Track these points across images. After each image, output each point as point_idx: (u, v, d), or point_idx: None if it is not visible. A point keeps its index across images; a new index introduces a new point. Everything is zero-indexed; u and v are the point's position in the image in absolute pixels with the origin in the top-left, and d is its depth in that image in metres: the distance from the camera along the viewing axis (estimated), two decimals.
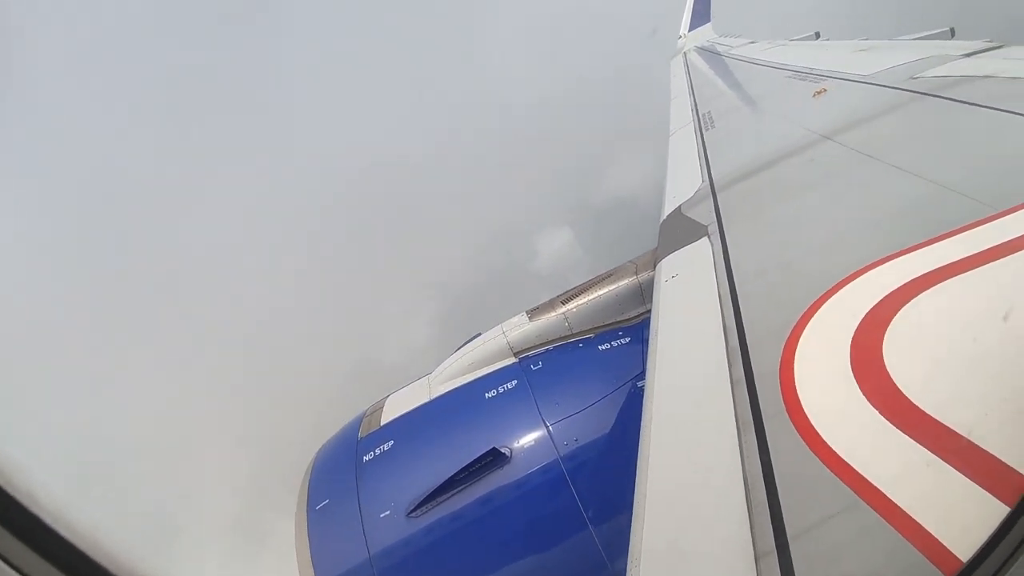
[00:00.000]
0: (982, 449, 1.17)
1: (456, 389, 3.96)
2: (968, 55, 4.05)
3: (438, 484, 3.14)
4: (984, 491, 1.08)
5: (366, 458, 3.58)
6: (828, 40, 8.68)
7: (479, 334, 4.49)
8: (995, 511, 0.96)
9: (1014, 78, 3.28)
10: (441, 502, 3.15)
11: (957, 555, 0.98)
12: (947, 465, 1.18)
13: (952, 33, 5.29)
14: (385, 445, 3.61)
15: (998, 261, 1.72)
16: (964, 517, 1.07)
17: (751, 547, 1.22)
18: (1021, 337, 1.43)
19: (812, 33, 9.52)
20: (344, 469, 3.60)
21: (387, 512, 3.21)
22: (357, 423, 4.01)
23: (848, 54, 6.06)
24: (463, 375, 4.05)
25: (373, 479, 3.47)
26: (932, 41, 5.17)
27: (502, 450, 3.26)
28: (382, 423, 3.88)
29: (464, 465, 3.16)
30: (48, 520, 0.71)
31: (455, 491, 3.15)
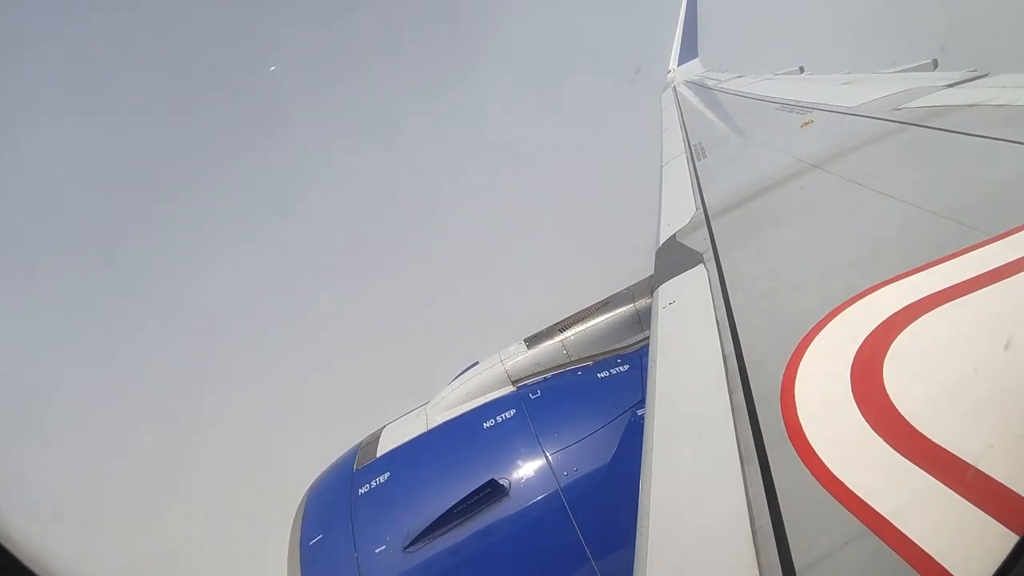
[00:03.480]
0: (988, 476, 1.16)
1: (454, 419, 3.90)
2: (951, 85, 4.19)
3: (435, 517, 3.05)
4: (992, 519, 1.06)
5: (361, 491, 3.50)
6: (812, 74, 8.98)
7: (476, 363, 4.46)
8: (1004, 539, 0.94)
9: (999, 105, 3.38)
10: (439, 536, 3.06)
11: None
12: (953, 493, 1.16)
13: (935, 65, 5.49)
14: (381, 477, 3.53)
15: (994, 285, 1.73)
16: (972, 546, 1.05)
17: None
18: (1008, 360, 1.43)
19: (797, 68, 9.86)
20: (338, 503, 3.50)
21: (383, 547, 3.11)
22: (352, 455, 3.93)
23: (832, 87, 6.26)
24: (461, 404, 4.00)
25: (368, 513, 3.38)
26: (915, 73, 5.36)
27: (501, 481, 3.19)
28: (378, 454, 3.80)
29: (462, 497, 3.08)
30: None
31: (453, 524, 3.06)
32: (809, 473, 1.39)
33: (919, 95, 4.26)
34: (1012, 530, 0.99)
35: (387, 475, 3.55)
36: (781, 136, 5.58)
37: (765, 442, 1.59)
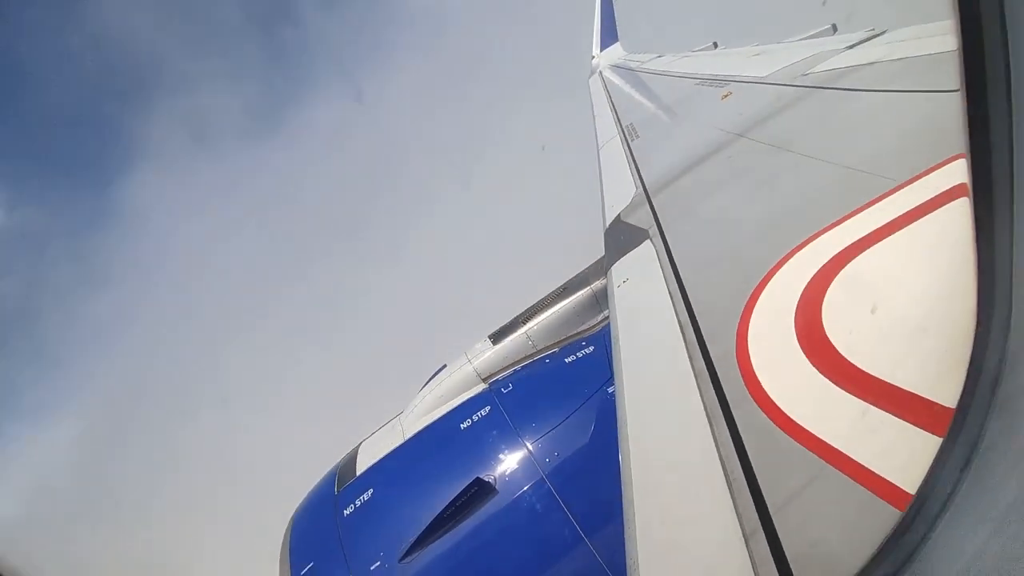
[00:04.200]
0: (909, 391, 1.31)
1: (430, 425, 3.89)
2: (851, 46, 4.52)
3: (427, 524, 3.05)
4: (919, 429, 1.21)
5: (346, 512, 3.44)
6: (725, 48, 9.44)
7: (444, 366, 4.46)
8: (932, 444, 1.07)
9: (896, 59, 3.69)
10: (433, 541, 3.06)
11: (907, 490, 1.09)
12: (885, 412, 1.31)
13: (834, 29, 5.90)
14: (365, 495, 3.48)
15: (908, 226, 1.92)
16: (907, 456, 1.18)
17: (739, 528, 1.28)
18: (928, 295, 1.60)
19: (711, 43, 10.31)
20: (325, 527, 3.43)
21: (378, 563, 3.08)
22: (332, 477, 3.85)
23: (744, 59, 6.62)
24: (435, 409, 4.00)
25: (357, 532, 3.33)
26: (817, 39, 5.75)
27: (486, 479, 3.22)
28: (358, 472, 3.74)
29: (450, 500, 3.10)
30: None
31: (446, 528, 3.07)
32: (771, 422, 1.51)
33: (822, 60, 4.58)
34: (936, 434, 1.13)
35: (370, 491, 3.51)
36: (705, 110, 5.86)
37: (728, 400, 1.70)
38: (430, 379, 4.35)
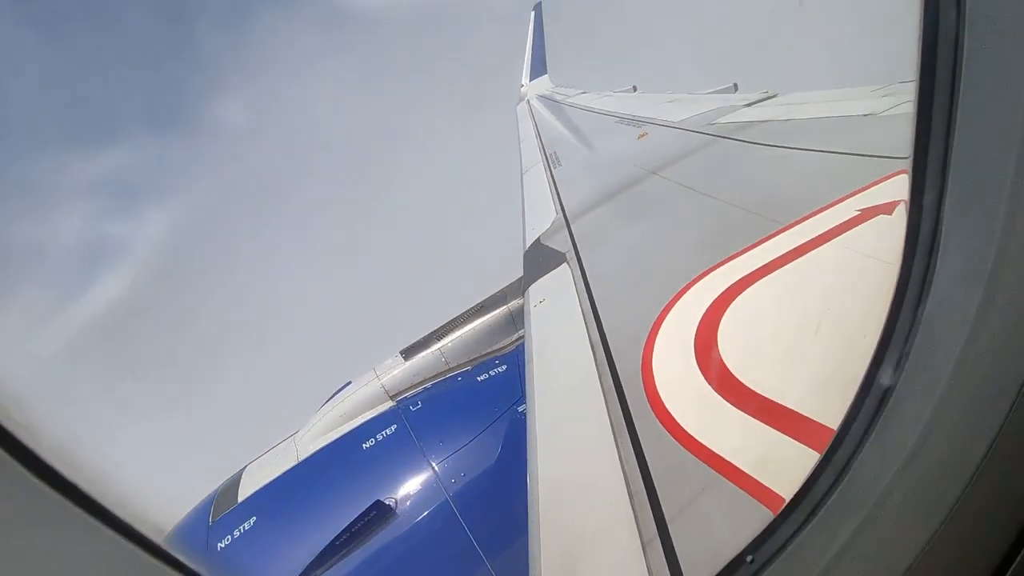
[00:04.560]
0: (793, 410, 1.44)
1: (328, 445, 3.62)
2: (750, 104, 5.07)
3: (318, 553, 2.80)
4: (799, 443, 1.33)
5: (221, 545, 3.06)
6: (644, 93, 10.21)
7: (349, 382, 4.21)
8: (810, 457, 1.17)
9: (785, 120, 4.18)
10: (327, 570, 2.81)
11: (782, 495, 1.19)
12: (771, 428, 1.43)
13: (736, 88, 6.61)
14: (245, 524, 3.13)
15: (791, 263, 2.14)
16: (787, 467, 1.29)
17: (638, 537, 1.31)
18: (809, 323, 1.78)
19: (631, 87, 11.11)
20: (190, 566, 3.02)
21: None
22: (207, 506, 3.43)
23: (661, 104, 7.18)
24: (336, 428, 3.74)
25: (232, 568, 2.97)
26: (722, 94, 6.39)
27: (387, 501, 3.04)
28: (240, 499, 3.37)
29: (346, 526, 2.87)
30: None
31: (338, 556, 2.83)
32: (670, 437, 1.57)
33: (726, 112, 5.08)
34: (815, 449, 1.24)
35: (252, 520, 3.16)
36: (623, 146, 6.23)
37: (632, 416, 1.75)
38: (332, 396, 4.07)
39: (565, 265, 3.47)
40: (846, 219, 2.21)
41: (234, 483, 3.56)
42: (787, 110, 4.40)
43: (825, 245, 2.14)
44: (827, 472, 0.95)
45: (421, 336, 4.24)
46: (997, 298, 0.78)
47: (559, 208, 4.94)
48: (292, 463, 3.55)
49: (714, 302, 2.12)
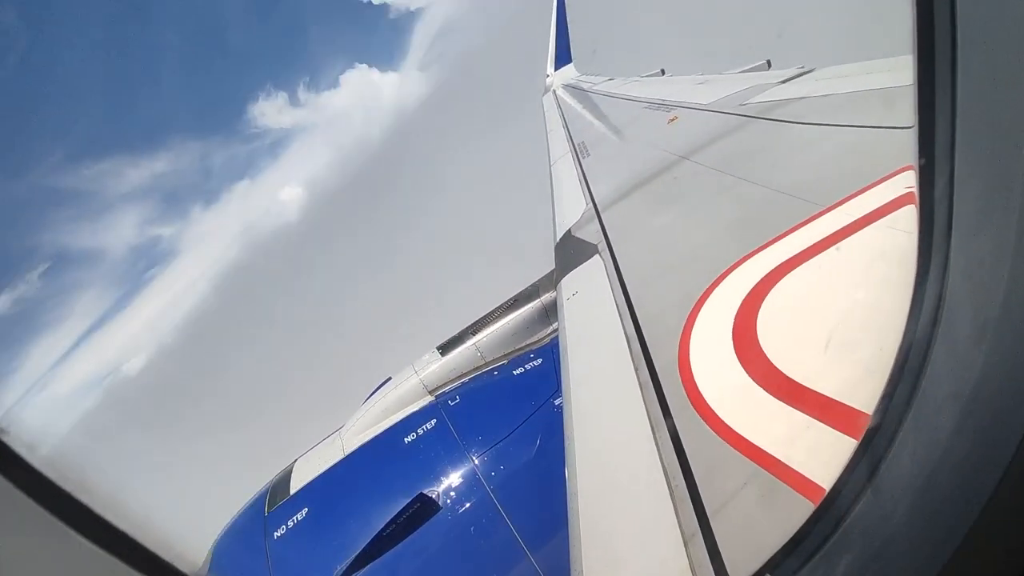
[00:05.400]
0: (830, 398, 1.40)
1: (371, 440, 3.75)
2: (784, 81, 4.87)
3: (366, 543, 2.92)
4: (838, 432, 1.30)
5: (277, 534, 3.23)
6: (672, 76, 9.93)
7: (389, 378, 4.33)
8: (847, 445, 1.15)
9: (824, 96, 4.00)
10: (373, 560, 2.92)
11: (821, 485, 1.17)
12: (812, 418, 1.40)
13: (769, 65, 6.34)
14: (298, 515, 3.29)
15: (832, 248, 2.07)
16: (825, 456, 1.27)
17: (679, 532, 1.31)
18: (853, 309, 1.72)
19: (659, 70, 10.83)
20: (252, 552, 3.20)
21: None
22: (263, 497, 3.61)
23: (690, 87, 6.98)
24: (378, 424, 3.86)
25: (289, 555, 3.13)
26: (753, 73, 6.16)
27: (429, 494, 3.13)
28: (291, 492, 3.54)
29: (391, 518, 2.98)
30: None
31: (386, 546, 2.94)
32: (710, 430, 1.55)
33: (759, 92, 4.91)
34: (852, 437, 1.22)
35: (305, 511, 3.32)
36: (652, 132, 6.11)
37: (671, 409, 1.74)
38: (374, 392, 4.20)
39: (597, 256, 3.45)
40: (895, 197, 2.11)
41: (286, 476, 3.74)
42: (825, 85, 4.21)
43: (871, 226, 2.05)
44: (864, 460, 0.94)
45: (456, 332, 4.32)
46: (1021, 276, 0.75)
47: (589, 198, 4.90)
48: (339, 456, 3.70)
49: (752, 290, 2.08)
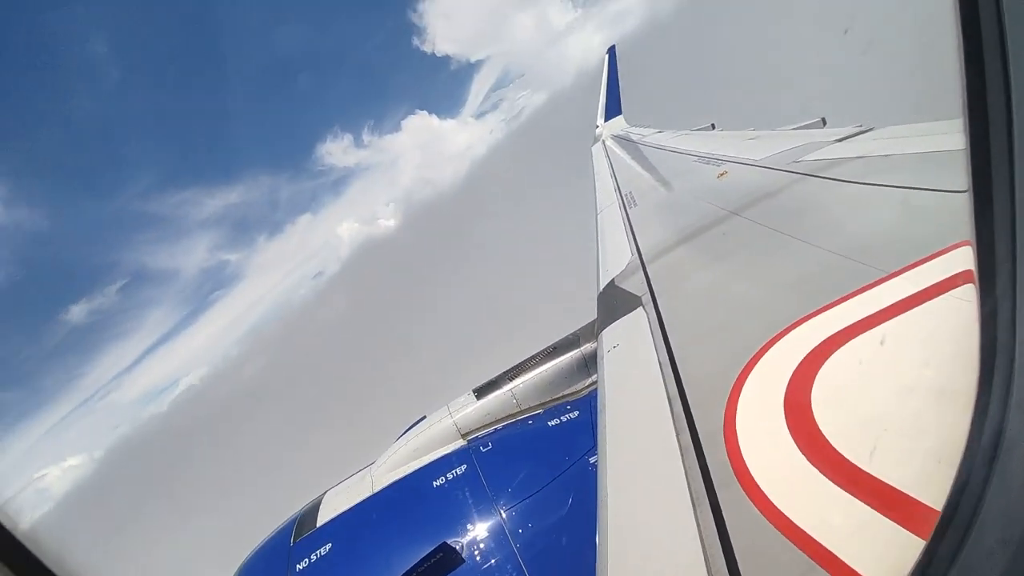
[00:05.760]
0: (895, 488, 1.27)
1: (401, 479, 3.71)
2: (840, 140, 4.76)
3: None
4: (904, 529, 1.17)
5: (300, 566, 3.20)
6: (723, 131, 9.94)
7: (424, 417, 4.32)
8: (915, 546, 1.03)
9: (884, 156, 3.87)
10: None
11: None
12: (872, 509, 1.26)
13: (824, 123, 6.24)
14: (322, 549, 3.26)
15: (897, 318, 1.94)
16: (892, 558, 1.13)
17: None
18: (919, 387, 1.59)
19: (708, 125, 10.88)
20: None
21: None
22: (290, 527, 3.62)
23: (741, 142, 6.94)
24: (409, 463, 3.83)
25: None
26: (808, 130, 6.07)
27: (454, 544, 3.03)
28: (318, 524, 3.52)
29: (413, 565, 2.89)
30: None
31: None
32: (757, 511, 1.43)
33: (813, 149, 4.81)
34: (919, 536, 1.09)
35: (329, 546, 3.29)
36: (701, 186, 6.07)
37: (714, 482, 1.63)
38: (407, 429, 4.20)
39: (640, 309, 3.39)
40: (964, 268, 1.97)
41: (315, 507, 3.74)
42: (885, 145, 4.08)
43: (937, 298, 1.92)
44: (933, 566, 0.83)
45: (493, 376, 4.29)
46: None
47: (635, 249, 4.86)
48: (368, 494, 3.67)
49: (806, 358, 1.96)
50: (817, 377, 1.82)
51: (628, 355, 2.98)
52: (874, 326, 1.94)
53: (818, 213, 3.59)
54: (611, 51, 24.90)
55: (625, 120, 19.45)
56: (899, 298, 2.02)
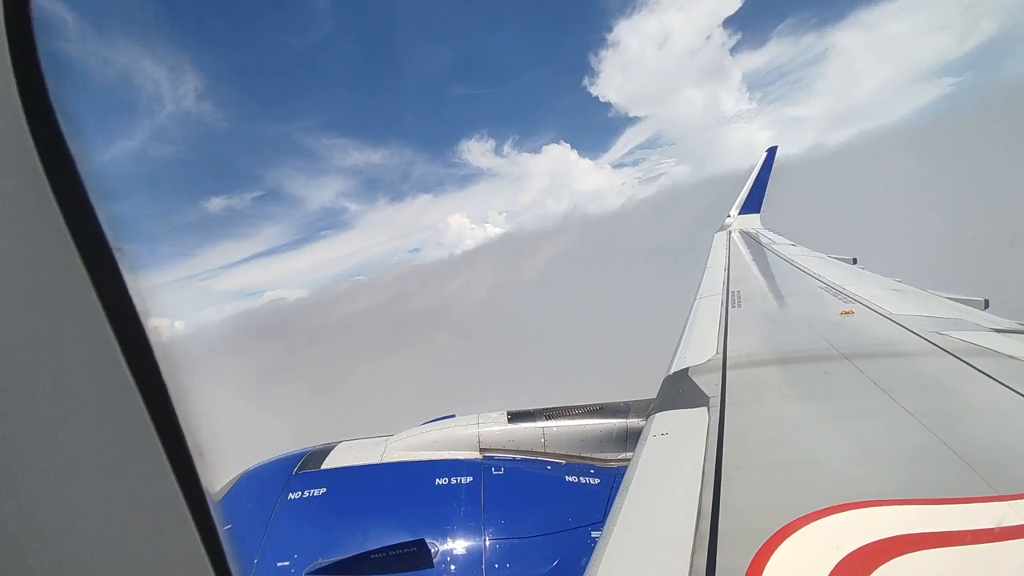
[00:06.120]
0: None
1: (409, 462, 3.76)
2: (999, 331, 4.19)
3: (352, 554, 2.86)
4: None
5: (292, 496, 3.33)
6: (863, 269, 9.14)
7: (453, 415, 4.35)
8: None
9: None
10: (345, 574, 2.85)
11: None
12: None
13: (986, 305, 5.51)
14: (316, 490, 3.37)
15: (995, 544, 1.65)
16: None
17: None
18: None
19: (850, 257, 10.06)
20: (264, 498, 3.33)
21: (286, 563, 2.91)
22: (298, 457, 3.79)
23: (881, 289, 6.34)
24: (422, 451, 3.87)
25: (288, 520, 3.20)
26: (964, 306, 5.39)
27: (430, 546, 3.00)
28: (322, 466, 3.65)
29: (385, 546, 2.90)
30: None
31: (364, 569, 2.86)
32: None
33: (963, 328, 4.27)
34: None
35: (323, 491, 3.40)
36: (819, 315, 5.61)
37: None
38: (433, 420, 4.25)
39: (704, 410, 3.18)
40: None
41: (326, 450, 3.88)
42: None
43: None
44: None
45: (532, 408, 4.23)
46: None
47: (722, 348, 4.59)
48: (375, 461, 3.75)
49: (876, 543, 1.71)
50: (880, 570, 1.59)
51: (673, 449, 2.81)
52: (964, 543, 1.66)
53: (945, 398, 3.16)
54: (771, 151, 24.05)
55: (760, 221, 18.62)
56: (1004, 524, 1.71)
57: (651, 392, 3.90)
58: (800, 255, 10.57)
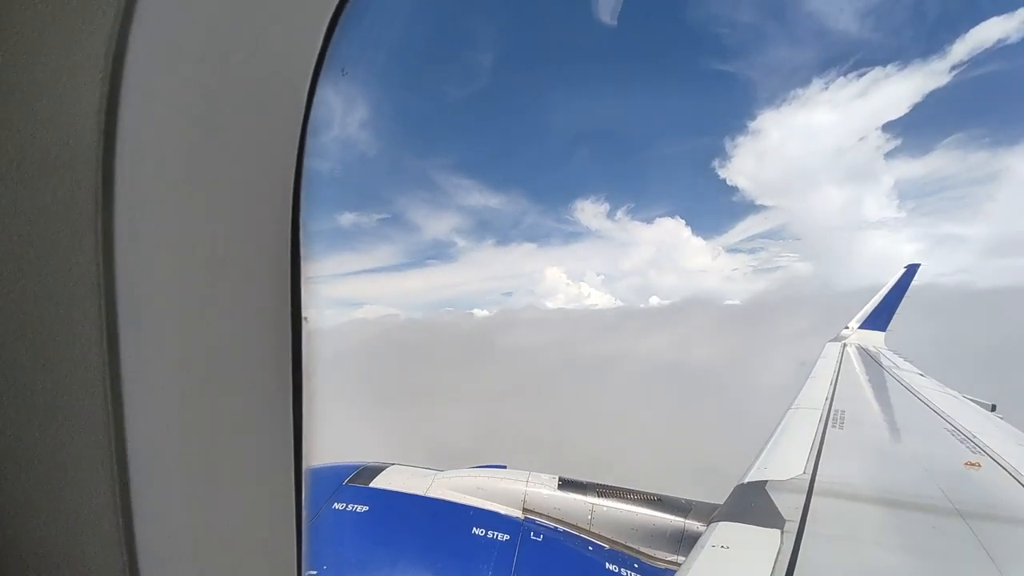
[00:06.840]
0: None
1: (451, 503, 3.75)
2: None
3: None
4: None
5: (336, 505, 3.47)
6: (1003, 419, 7.75)
7: (504, 466, 4.31)
8: None
9: None
10: None
11: None
12: None
13: None
14: (359, 506, 3.48)
15: None
16: None
17: None
18: None
19: (989, 404, 8.61)
20: (311, 501, 3.50)
21: (314, 572, 2.99)
22: (351, 470, 3.95)
23: (1019, 445, 5.33)
24: (466, 494, 3.85)
25: (326, 530, 3.31)
26: None
27: None
28: (371, 484, 3.77)
29: None
30: None
31: None
32: None
33: None
34: None
35: (365, 508, 3.49)
36: (939, 461, 4.83)
37: None
38: (484, 466, 4.23)
39: (778, 532, 2.85)
40: None
41: (377, 470, 4.01)
42: None
43: None
44: None
45: (585, 481, 4.06)
46: None
47: (811, 469, 4.11)
48: (420, 493, 3.80)
49: None
50: None
51: (733, 567, 2.53)
52: None
53: None
54: (912, 267, 21.72)
55: (884, 341, 16.68)
56: None
57: (713, 497, 3.57)
58: (928, 388, 9.26)
